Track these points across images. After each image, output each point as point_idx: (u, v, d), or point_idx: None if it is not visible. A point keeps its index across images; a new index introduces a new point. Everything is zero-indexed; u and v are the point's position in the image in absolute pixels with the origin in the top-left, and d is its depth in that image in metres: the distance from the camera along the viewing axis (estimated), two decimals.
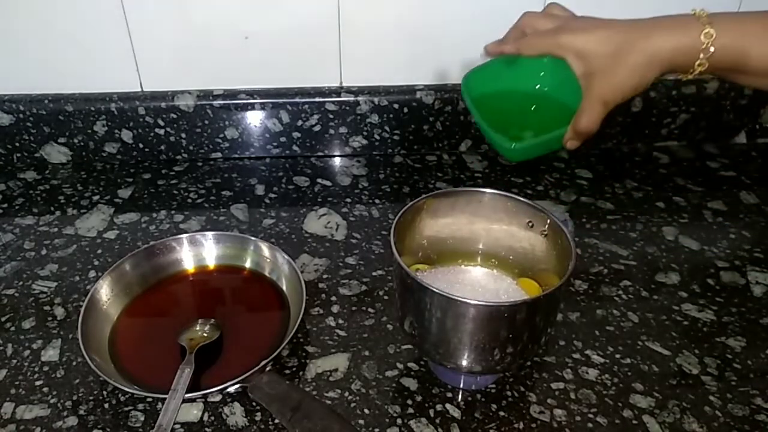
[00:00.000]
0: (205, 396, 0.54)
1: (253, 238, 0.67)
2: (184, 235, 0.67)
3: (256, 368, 0.53)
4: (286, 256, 0.64)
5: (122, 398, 0.55)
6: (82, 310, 0.58)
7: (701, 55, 0.51)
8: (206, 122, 0.85)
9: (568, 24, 0.56)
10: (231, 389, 0.54)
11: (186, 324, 0.60)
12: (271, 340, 0.59)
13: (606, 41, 0.53)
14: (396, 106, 0.86)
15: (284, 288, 0.64)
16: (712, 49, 0.51)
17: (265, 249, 0.66)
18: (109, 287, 0.62)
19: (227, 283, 0.67)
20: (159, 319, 0.63)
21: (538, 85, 0.63)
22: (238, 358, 0.57)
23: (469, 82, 0.61)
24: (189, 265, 0.67)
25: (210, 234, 0.68)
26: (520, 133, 0.61)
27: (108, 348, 0.58)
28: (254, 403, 0.54)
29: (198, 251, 0.67)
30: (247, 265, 0.67)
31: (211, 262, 0.68)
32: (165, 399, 0.51)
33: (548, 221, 0.55)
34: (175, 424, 0.52)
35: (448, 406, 0.55)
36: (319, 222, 0.77)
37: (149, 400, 0.55)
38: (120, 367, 0.56)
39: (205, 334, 0.59)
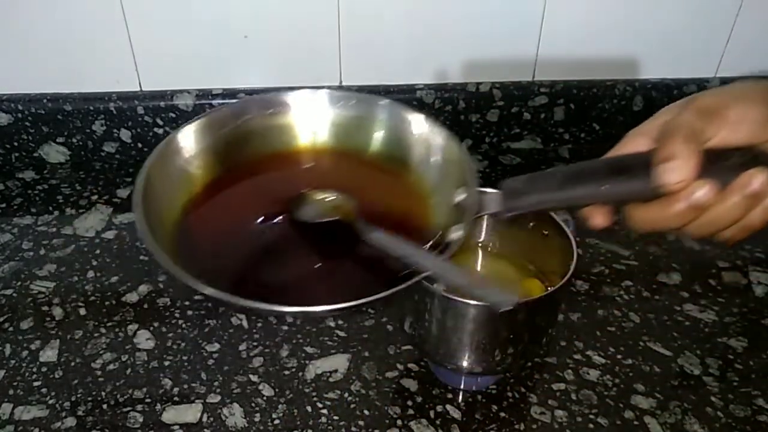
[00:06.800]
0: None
1: None
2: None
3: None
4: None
5: (121, 399, 0.55)
6: (153, 156, 0.42)
7: None
8: None
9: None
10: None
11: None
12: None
13: None
14: None
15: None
16: None
17: None
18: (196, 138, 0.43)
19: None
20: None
21: None
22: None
23: None
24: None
25: None
26: None
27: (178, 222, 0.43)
28: (254, 404, 0.54)
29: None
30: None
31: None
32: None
33: (549, 221, 0.55)
34: (175, 424, 0.52)
35: (448, 407, 0.55)
36: None
37: (148, 401, 0.54)
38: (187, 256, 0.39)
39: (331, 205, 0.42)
